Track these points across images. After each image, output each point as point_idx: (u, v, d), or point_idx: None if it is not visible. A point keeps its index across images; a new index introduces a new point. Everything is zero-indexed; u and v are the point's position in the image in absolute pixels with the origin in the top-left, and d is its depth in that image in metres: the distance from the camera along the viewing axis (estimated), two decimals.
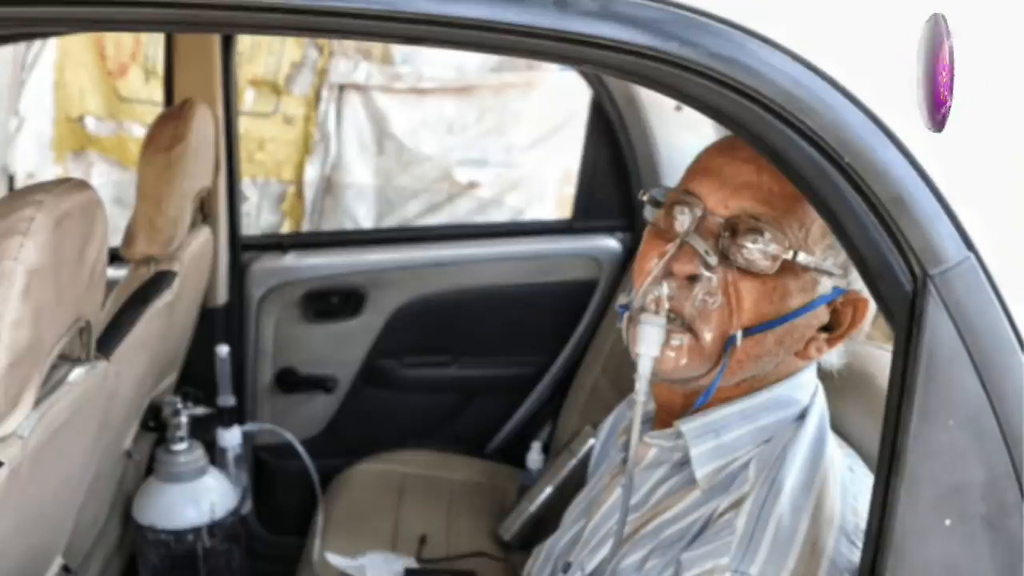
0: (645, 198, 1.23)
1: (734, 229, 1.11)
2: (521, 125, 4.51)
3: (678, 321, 1.18)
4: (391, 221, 4.48)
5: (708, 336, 1.18)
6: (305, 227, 4.49)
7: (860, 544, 1.17)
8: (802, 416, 1.27)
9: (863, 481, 1.25)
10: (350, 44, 4.37)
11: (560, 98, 4.31)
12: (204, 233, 2.47)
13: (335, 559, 2.30)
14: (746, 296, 1.18)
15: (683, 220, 1.13)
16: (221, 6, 1.29)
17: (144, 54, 4.40)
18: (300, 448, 2.64)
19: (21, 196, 1.35)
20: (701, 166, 1.14)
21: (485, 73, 4.49)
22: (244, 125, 3.76)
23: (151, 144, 2.18)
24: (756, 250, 1.14)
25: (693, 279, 1.15)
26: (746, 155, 1.15)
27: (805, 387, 1.29)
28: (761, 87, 1.25)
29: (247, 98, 4.39)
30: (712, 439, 1.25)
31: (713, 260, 1.09)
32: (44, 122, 4.49)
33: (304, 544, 2.47)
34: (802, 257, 1.47)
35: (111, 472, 2.16)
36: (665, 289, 1.17)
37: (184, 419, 2.42)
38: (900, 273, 1.30)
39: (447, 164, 4.47)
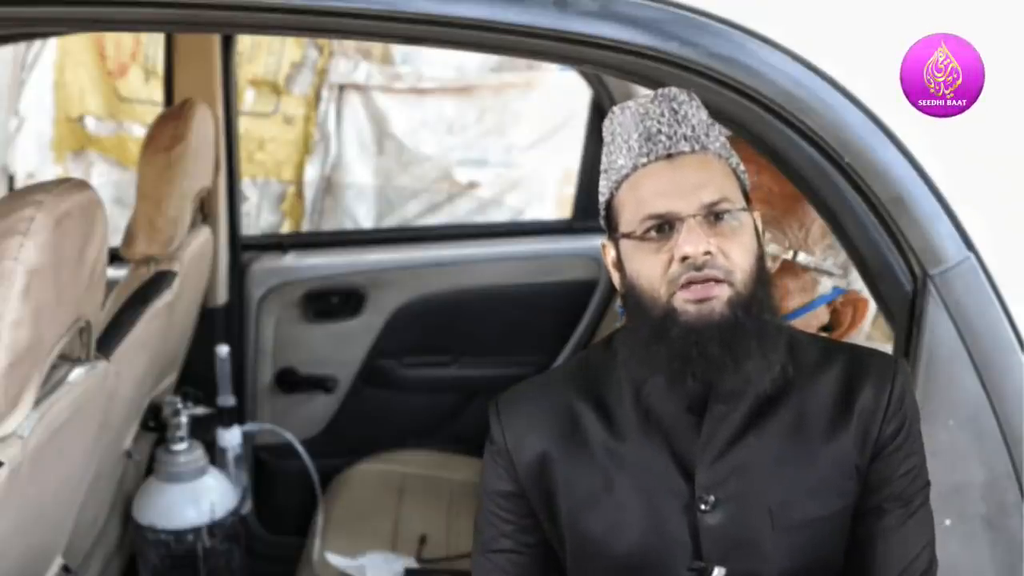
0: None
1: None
2: (521, 125, 4.50)
3: None
4: (391, 221, 4.47)
5: None
6: (305, 227, 4.48)
7: None
8: None
9: None
10: (350, 44, 4.36)
11: (560, 98, 4.30)
12: (204, 233, 2.47)
13: (335, 559, 2.30)
14: None
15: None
16: (221, 6, 1.29)
17: (144, 54, 4.39)
18: (300, 448, 2.64)
19: (21, 196, 1.35)
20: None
21: (485, 73, 4.48)
22: (244, 125, 3.75)
23: (151, 144, 2.18)
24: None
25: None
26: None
27: None
28: (761, 87, 1.25)
29: (247, 98, 4.38)
30: None
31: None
32: (44, 122, 4.48)
33: (304, 544, 2.47)
34: (802, 257, 1.47)
35: (111, 472, 2.16)
36: None
37: (184, 419, 2.42)
38: (900, 273, 1.30)
39: (447, 164, 4.47)
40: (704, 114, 1.17)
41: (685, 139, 1.14)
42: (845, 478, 1.16)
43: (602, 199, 1.20)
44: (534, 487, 1.21)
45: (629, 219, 1.15)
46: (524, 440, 1.21)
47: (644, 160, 1.14)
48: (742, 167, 1.18)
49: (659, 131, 1.14)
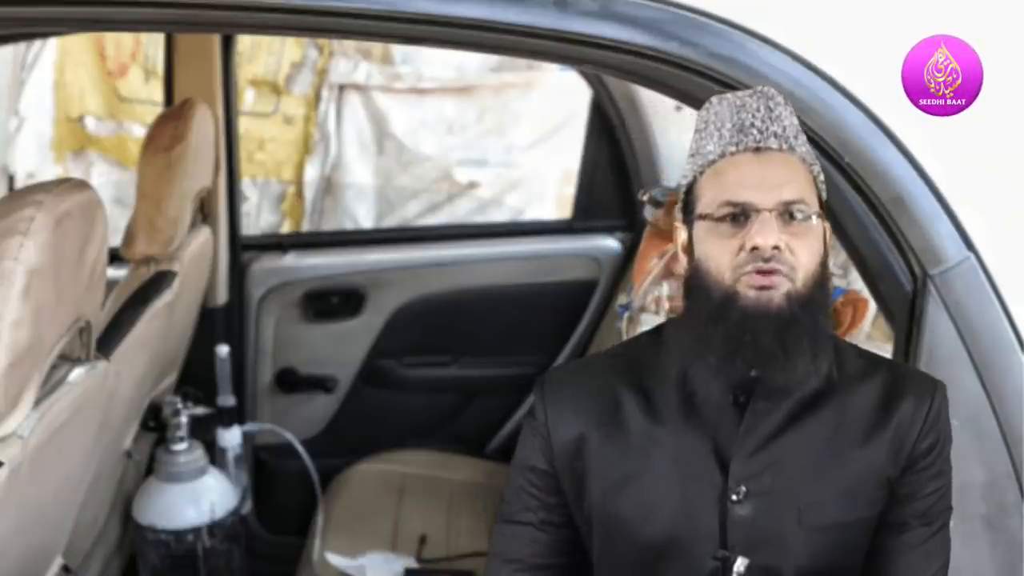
0: (645, 198, 1.23)
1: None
2: (521, 125, 4.50)
3: None
4: (391, 221, 4.47)
5: None
6: (305, 227, 4.48)
7: None
8: None
9: None
10: (350, 44, 4.35)
11: (560, 98, 4.30)
12: (204, 233, 2.47)
13: (335, 559, 2.30)
14: None
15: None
16: (221, 6, 1.29)
17: (144, 54, 4.39)
18: (300, 448, 2.64)
19: (21, 196, 1.35)
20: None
21: (485, 73, 4.48)
22: (244, 125, 3.75)
23: (151, 144, 2.17)
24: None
25: None
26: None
27: None
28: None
29: (247, 98, 4.37)
30: None
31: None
32: (44, 122, 4.48)
33: (304, 544, 2.47)
34: None
35: (111, 472, 2.16)
36: (665, 288, 1.18)
37: (184, 419, 2.42)
38: (900, 273, 1.30)
39: (447, 164, 4.46)
40: (796, 120, 1.19)
41: (775, 136, 1.16)
42: (875, 487, 1.18)
43: (684, 181, 1.22)
44: (567, 467, 1.23)
45: (708, 202, 1.17)
46: (564, 419, 1.23)
47: (733, 149, 1.17)
48: (822, 177, 1.20)
49: (752, 124, 1.17)
